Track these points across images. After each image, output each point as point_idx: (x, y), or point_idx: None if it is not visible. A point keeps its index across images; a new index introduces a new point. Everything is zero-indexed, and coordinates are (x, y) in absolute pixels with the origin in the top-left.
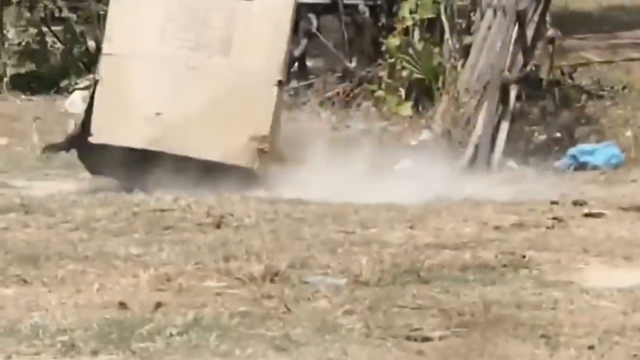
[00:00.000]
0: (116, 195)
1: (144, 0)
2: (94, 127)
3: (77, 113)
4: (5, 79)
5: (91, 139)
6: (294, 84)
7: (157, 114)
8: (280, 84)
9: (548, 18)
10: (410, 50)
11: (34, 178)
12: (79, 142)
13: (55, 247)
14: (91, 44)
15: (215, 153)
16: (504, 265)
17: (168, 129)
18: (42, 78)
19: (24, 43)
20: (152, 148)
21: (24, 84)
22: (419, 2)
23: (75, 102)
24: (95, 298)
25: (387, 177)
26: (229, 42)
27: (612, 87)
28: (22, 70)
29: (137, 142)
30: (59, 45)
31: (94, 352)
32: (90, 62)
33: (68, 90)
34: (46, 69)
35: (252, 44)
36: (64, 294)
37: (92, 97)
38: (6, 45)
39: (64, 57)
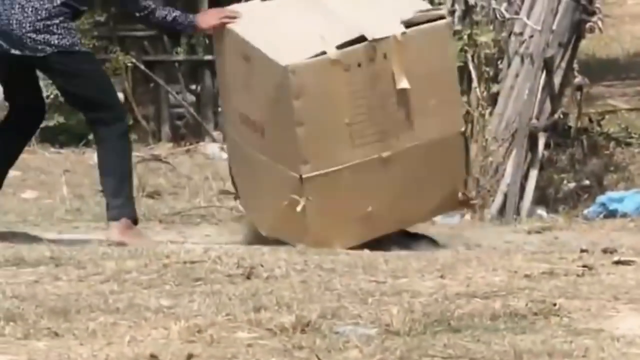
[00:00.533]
0: (147, 247)
1: (330, 115)
2: (309, 241)
3: None
4: None
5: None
6: None
7: (369, 211)
8: (462, 133)
9: (575, 65)
10: None
11: (64, 231)
12: None
13: (86, 299)
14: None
15: (428, 214)
16: (535, 314)
17: (380, 217)
18: (71, 131)
19: (52, 96)
20: (368, 238)
21: (53, 137)
22: None
23: None
24: (127, 350)
25: (416, 226)
26: (409, 117)
27: None
28: (51, 123)
29: (352, 241)
30: None
31: None
32: None
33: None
34: (75, 121)
35: (428, 108)
36: (95, 347)
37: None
38: None
39: None
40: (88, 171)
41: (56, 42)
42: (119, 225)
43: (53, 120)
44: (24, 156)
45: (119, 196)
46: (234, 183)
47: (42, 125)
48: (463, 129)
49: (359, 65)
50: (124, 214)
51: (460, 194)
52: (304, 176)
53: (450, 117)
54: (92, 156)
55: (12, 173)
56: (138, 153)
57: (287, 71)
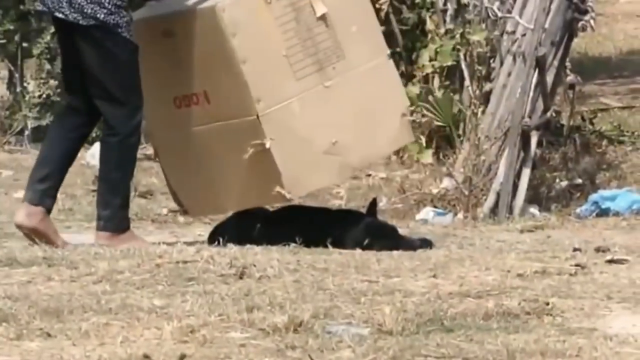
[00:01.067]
0: (138, 247)
1: (267, 48)
2: (287, 184)
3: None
4: (27, 132)
5: (289, 196)
6: None
7: (333, 142)
8: (391, 55)
9: (568, 64)
10: (430, 98)
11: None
12: None
13: (78, 299)
14: None
15: (387, 147)
16: (528, 313)
17: (347, 149)
18: None
19: (44, 95)
20: (348, 175)
21: (45, 137)
22: (438, 50)
23: (96, 154)
24: (119, 351)
25: (409, 225)
26: (338, 45)
27: (632, 133)
28: (44, 123)
29: (333, 177)
30: None
31: None
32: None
33: (89, 142)
34: None
35: (353, 36)
36: (88, 347)
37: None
38: (27, 97)
39: None
40: (80, 170)
41: (102, 17)
42: (103, 235)
43: (45, 119)
44: (16, 156)
45: (108, 206)
46: (176, 198)
47: (35, 124)
48: (388, 52)
49: None
50: (109, 227)
51: (408, 121)
52: (260, 114)
53: (375, 43)
54: (84, 155)
55: (5, 173)
56: None
57: (218, 11)
